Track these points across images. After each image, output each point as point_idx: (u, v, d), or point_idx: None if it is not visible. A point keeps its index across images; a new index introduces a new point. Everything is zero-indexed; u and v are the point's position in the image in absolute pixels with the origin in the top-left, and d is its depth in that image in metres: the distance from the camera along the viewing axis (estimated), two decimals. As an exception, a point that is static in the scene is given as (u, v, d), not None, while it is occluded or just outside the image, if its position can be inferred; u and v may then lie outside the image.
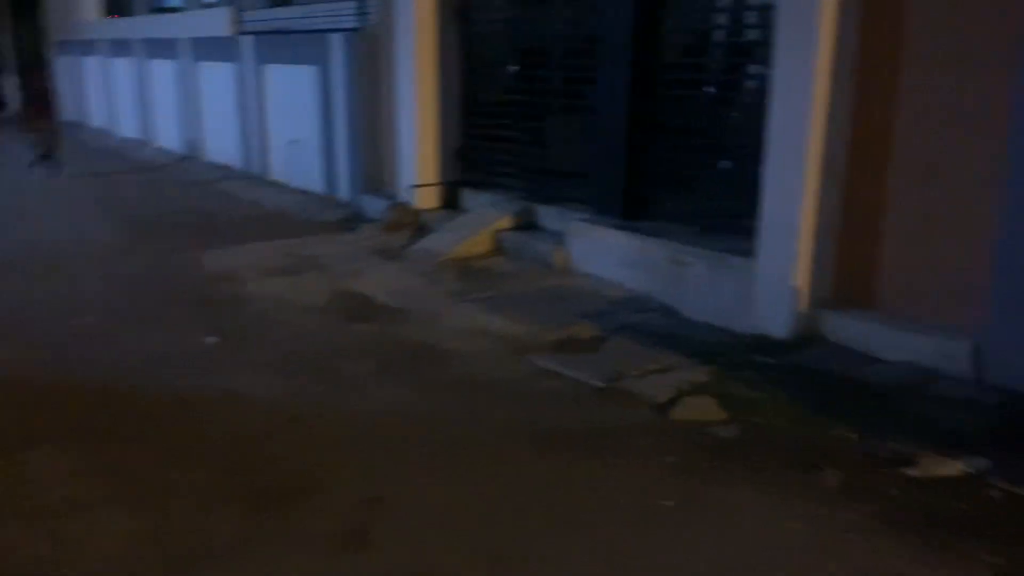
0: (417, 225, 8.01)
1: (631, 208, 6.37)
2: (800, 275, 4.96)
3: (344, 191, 9.46)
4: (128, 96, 15.79)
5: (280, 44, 10.60)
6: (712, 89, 6.89)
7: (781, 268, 5.01)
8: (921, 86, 4.60)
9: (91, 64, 17.70)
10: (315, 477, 3.57)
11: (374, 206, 8.67)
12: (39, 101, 11.62)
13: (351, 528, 3.20)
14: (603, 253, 6.28)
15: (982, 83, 4.33)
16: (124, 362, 4.89)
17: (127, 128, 16.08)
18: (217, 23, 12.04)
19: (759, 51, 6.75)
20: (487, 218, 7.44)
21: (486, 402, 4.33)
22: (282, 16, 10.77)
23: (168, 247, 7.69)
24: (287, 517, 3.28)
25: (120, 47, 15.90)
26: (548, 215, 7.28)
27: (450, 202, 8.34)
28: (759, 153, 5.14)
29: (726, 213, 5.85)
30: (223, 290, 6.31)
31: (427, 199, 8.29)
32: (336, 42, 9.20)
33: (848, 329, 4.87)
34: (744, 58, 6.89)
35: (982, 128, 4.34)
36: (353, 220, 8.62)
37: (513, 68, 8.07)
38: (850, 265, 5.01)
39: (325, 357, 4.96)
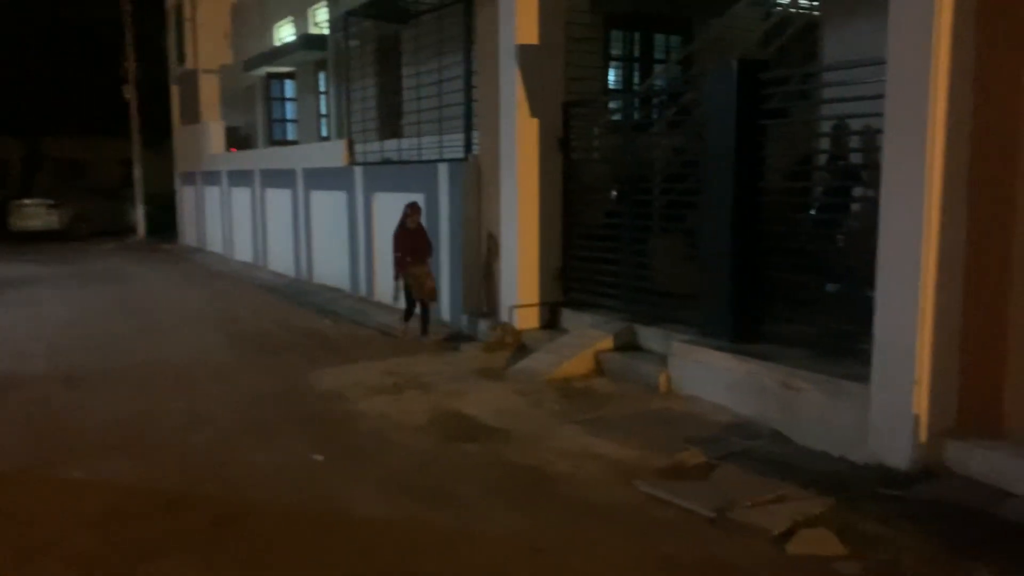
0: (518, 345, 8.09)
1: (740, 330, 6.29)
2: (919, 402, 4.76)
3: (446, 311, 9.68)
4: (244, 223, 16.77)
5: (389, 173, 11.16)
6: (817, 212, 6.91)
7: (898, 395, 4.83)
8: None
9: (212, 193, 18.93)
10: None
11: (476, 326, 8.82)
12: (414, 244, 8.90)
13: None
14: (709, 376, 6.19)
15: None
16: (238, 477, 5.02)
17: (242, 252, 17.01)
18: (330, 155, 12.80)
19: (863, 173, 6.78)
20: (588, 338, 7.47)
21: (598, 531, 4.24)
22: (392, 148, 11.37)
23: (282, 365, 7.97)
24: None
25: (238, 177, 17.02)
26: (651, 336, 7.25)
27: (551, 322, 8.43)
28: (869, 275, 5.05)
29: (840, 336, 5.72)
30: (331, 408, 6.46)
31: (528, 319, 8.40)
32: (442, 171, 9.64)
33: (974, 460, 4.62)
34: (848, 181, 6.92)
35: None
36: (455, 340, 8.78)
37: (613, 193, 8.26)
38: (974, 391, 4.80)
39: (432, 478, 4.98)
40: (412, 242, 8.89)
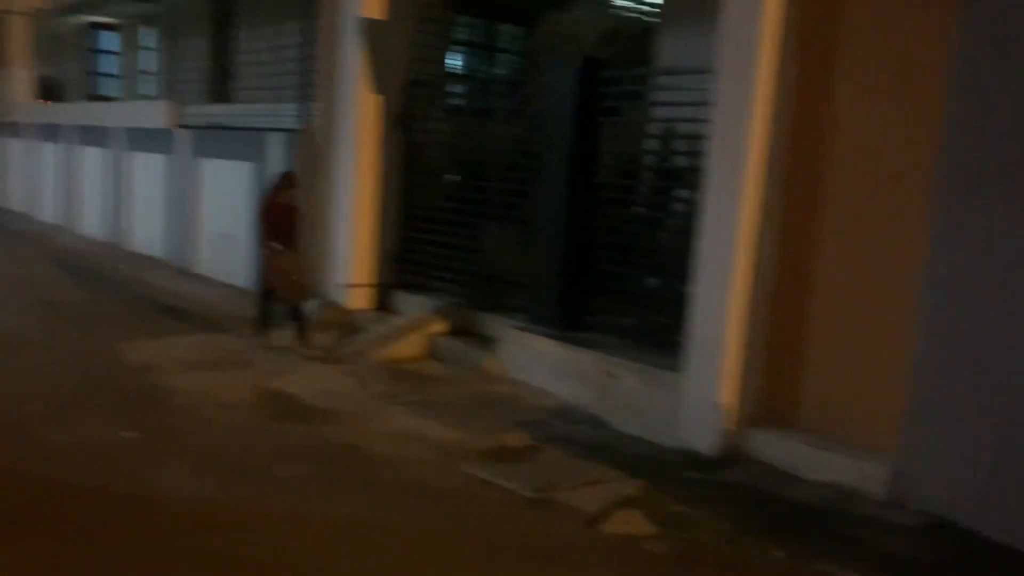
0: (348, 325, 7.95)
1: (567, 319, 6.49)
2: (726, 393, 5.10)
3: (273, 288, 9.36)
4: (52, 181, 15.50)
5: (217, 139, 10.64)
6: (643, 209, 7.21)
7: (707, 385, 5.15)
8: (846, 213, 4.90)
9: (15, 146, 17.37)
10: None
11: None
12: (281, 227, 7.07)
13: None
14: (536, 362, 6.35)
15: (905, 218, 4.64)
16: (41, 454, 4.64)
17: (48, 213, 15.69)
18: (153, 115, 12.03)
19: (687, 176, 7.13)
20: (420, 321, 7.46)
21: (418, 510, 4.26)
22: (221, 112, 10.86)
23: (89, 336, 7.43)
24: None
25: (48, 131, 15.69)
26: (483, 321, 7.33)
27: (383, 304, 8.33)
28: (688, 272, 5.35)
29: (658, 328, 6.01)
30: (144, 382, 6.10)
31: (359, 300, 8.27)
32: (274, 141, 9.29)
33: (772, 447, 5.00)
34: (673, 182, 7.25)
35: (903, 262, 4.62)
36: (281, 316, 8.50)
37: (451, 177, 8.27)
38: (775, 384, 5.18)
39: (251, 457, 4.81)
40: (283, 222, 7.11)
